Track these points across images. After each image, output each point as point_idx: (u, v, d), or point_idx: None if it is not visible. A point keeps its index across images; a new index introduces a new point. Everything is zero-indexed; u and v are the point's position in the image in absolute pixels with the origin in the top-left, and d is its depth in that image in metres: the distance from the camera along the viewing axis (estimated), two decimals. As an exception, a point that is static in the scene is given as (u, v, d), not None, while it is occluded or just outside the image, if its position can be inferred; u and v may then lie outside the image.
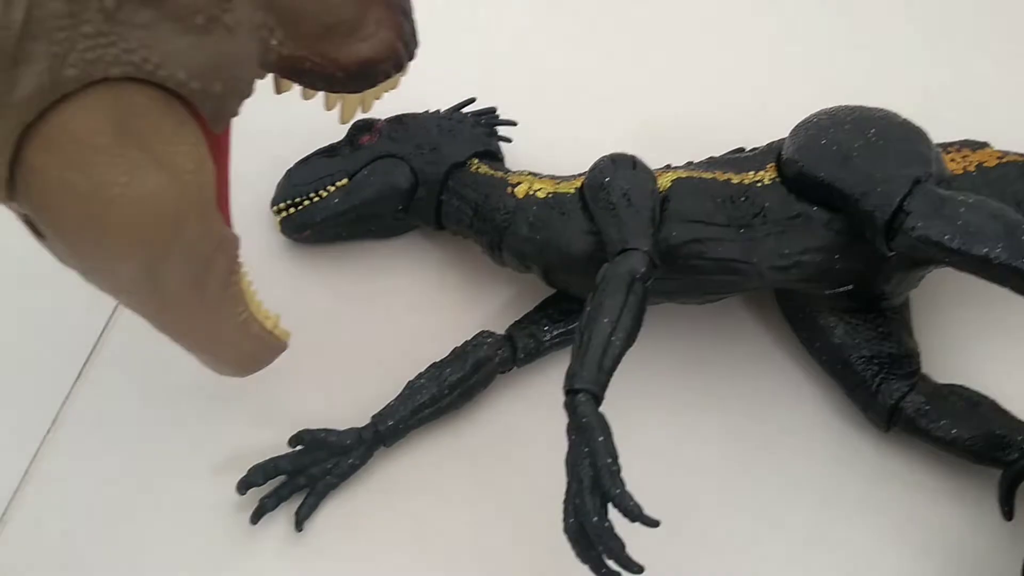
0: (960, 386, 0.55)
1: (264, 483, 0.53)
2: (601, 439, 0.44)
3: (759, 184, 0.55)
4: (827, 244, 0.53)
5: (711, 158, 0.60)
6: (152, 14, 0.35)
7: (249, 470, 0.53)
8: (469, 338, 0.58)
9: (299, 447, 0.54)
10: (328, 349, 0.60)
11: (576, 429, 0.45)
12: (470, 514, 0.54)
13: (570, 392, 0.45)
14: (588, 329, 0.47)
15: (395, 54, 0.45)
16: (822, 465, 0.56)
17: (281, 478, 0.54)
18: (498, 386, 0.58)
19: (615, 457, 0.44)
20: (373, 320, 0.62)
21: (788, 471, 0.55)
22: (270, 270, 0.64)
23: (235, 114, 0.40)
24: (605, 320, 0.47)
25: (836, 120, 0.54)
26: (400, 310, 0.62)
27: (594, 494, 0.43)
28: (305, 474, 0.54)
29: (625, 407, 0.56)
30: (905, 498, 0.54)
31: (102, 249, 0.37)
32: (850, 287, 0.55)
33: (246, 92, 0.41)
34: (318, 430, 0.54)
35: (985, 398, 0.54)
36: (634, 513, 0.42)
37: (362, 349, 0.60)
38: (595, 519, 0.42)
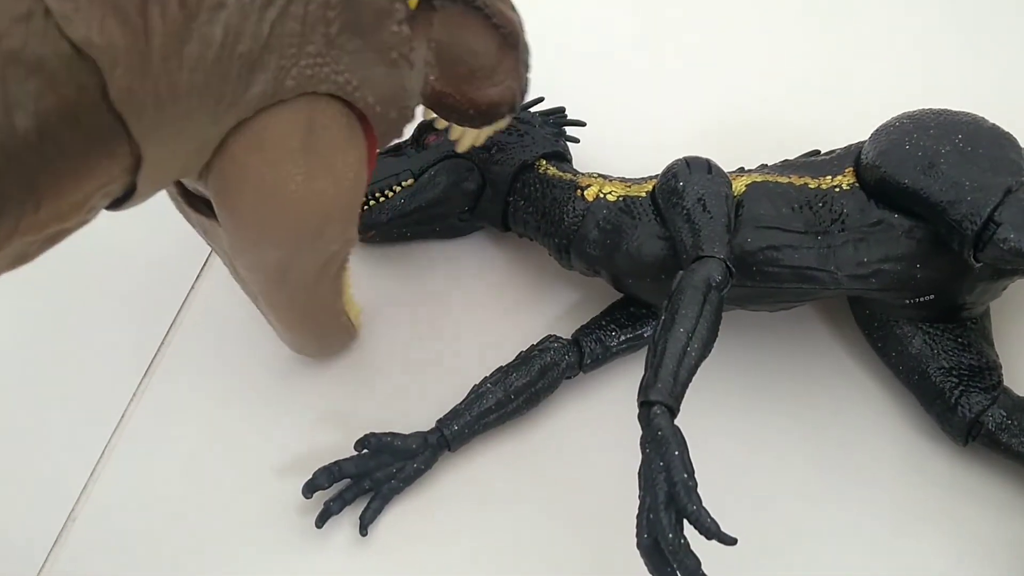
0: None
1: (329, 486, 0.53)
2: (677, 453, 0.43)
3: (837, 189, 0.54)
4: (908, 253, 0.51)
5: (786, 161, 0.58)
6: (360, 44, 0.41)
7: (315, 473, 0.53)
8: (535, 342, 0.57)
9: (364, 451, 0.54)
10: (392, 350, 0.60)
11: (651, 442, 0.44)
12: (534, 520, 0.53)
13: (644, 404, 0.44)
14: (663, 339, 0.46)
15: (514, 100, 0.54)
16: (896, 477, 0.54)
17: (346, 481, 0.54)
18: (564, 391, 0.57)
19: (691, 472, 0.42)
20: (437, 322, 0.62)
21: (861, 483, 0.54)
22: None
23: (400, 135, 0.47)
24: (681, 330, 0.46)
25: (920, 124, 0.52)
26: (465, 312, 0.62)
27: (669, 510, 0.42)
28: (370, 478, 0.53)
29: (694, 416, 0.55)
30: (980, 513, 0.53)
31: (265, 233, 0.43)
32: (931, 297, 0.53)
33: (411, 119, 0.48)
34: (384, 434, 0.54)
35: None
36: (711, 531, 0.41)
37: (426, 351, 0.60)
38: (671, 535, 0.41)
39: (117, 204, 0.39)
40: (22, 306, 0.62)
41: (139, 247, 0.64)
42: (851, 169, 0.55)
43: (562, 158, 0.62)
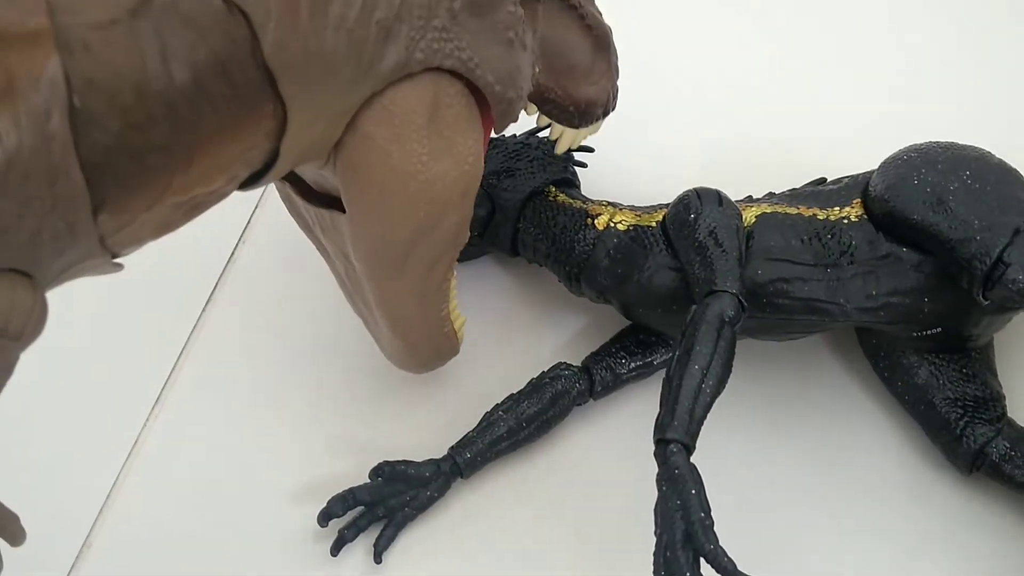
0: None
1: (344, 514, 0.53)
2: (694, 492, 0.43)
3: (845, 221, 0.54)
4: (917, 286, 0.52)
5: (793, 190, 0.59)
6: (479, 23, 0.42)
7: (329, 501, 0.53)
8: (543, 368, 0.58)
9: (378, 478, 0.54)
10: (404, 376, 0.60)
11: (667, 480, 0.44)
12: (546, 547, 0.54)
13: (661, 442, 0.45)
14: (678, 376, 0.47)
15: (609, 101, 0.56)
16: (901, 507, 0.55)
17: (360, 509, 0.54)
18: (574, 417, 0.58)
19: (708, 511, 0.43)
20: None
21: (867, 512, 0.55)
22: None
23: (516, 119, 0.47)
24: (696, 367, 0.47)
25: (927, 158, 0.53)
26: (472, 337, 0.62)
27: (686, 548, 0.43)
28: (384, 505, 0.54)
29: (701, 446, 0.56)
30: (984, 542, 0.53)
31: (389, 214, 0.43)
32: (938, 330, 0.54)
33: (524, 103, 0.48)
34: (397, 462, 0.54)
35: None
36: (728, 570, 0.42)
37: (435, 376, 0.60)
38: (688, 574, 0.42)
39: (253, 180, 0.39)
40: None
41: (147, 276, 0.64)
42: (859, 200, 0.55)
43: (571, 184, 0.63)
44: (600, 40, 0.53)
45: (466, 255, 0.64)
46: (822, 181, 0.61)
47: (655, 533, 0.44)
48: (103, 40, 0.31)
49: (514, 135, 0.65)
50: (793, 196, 0.58)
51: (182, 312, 0.64)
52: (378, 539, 0.53)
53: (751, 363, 0.59)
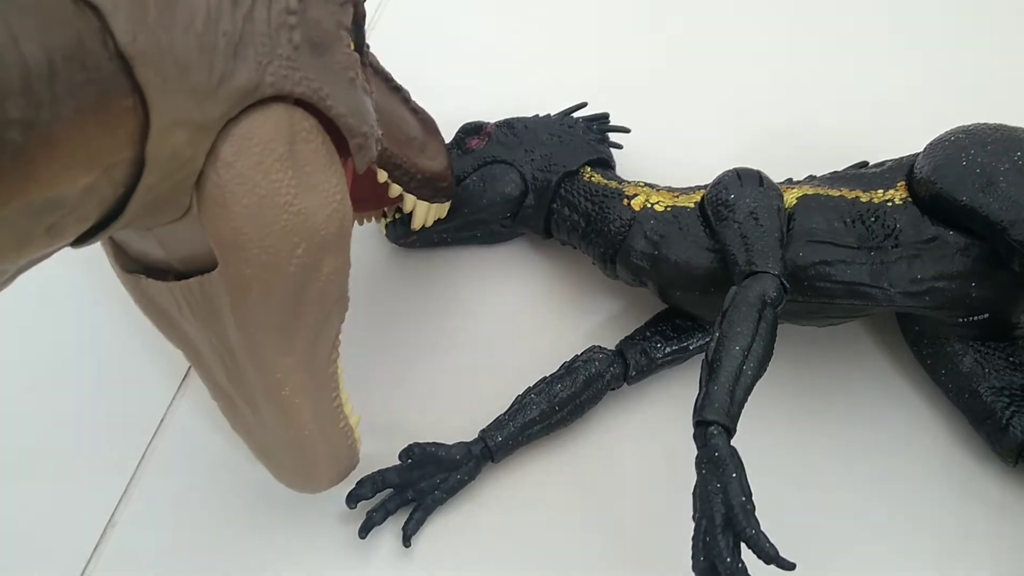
0: None
1: (372, 496, 0.52)
2: (734, 475, 0.42)
3: (890, 204, 0.53)
4: (963, 271, 0.50)
5: (834, 173, 0.57)
6: (320, 60, 0.41)
7: (358, 482, 0.52)
8: (577, 351, 0.57)
9: (408, 460, 0.53)
10: (434, 359, 0.59)
11: (707, 463, 0.43)
12: (578, 532, 0.53)
13: (700, 423, 0.44)
14: (718, 357, 0.45)
15: (450, 179, 0.57)
16: (945, 497, 0.53)
17: (389, 491, 0.53)
18: (607, 402, 0.57)
19: (749, 495, 0.42)
20: (477, 329, 0.61)
21: (909, 503, 0.53)
22: (374, 277, 0.63)
23: (373, 157, 0.45)
24: (736, 348, 0.45)
25: (976, 139, 0.51)
26: (505, 319, 0.61)
27: (727, 533, 0.41)
28: (413, 488, 0.53)
29: (739, 431, 0.55)
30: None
31: (266, 252, 0.40)
32: (985, 316, 0.52)
33: (379, 142, 0.46)
34: (427, 444, 0.53)
35: None
36: (770, 555, 0.40)
37: (467, 359, 0.59)
38: (728, 559, 0.41)
39: (112, 216, 0.37)
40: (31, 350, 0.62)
41: None
42: (903, 183, 0.54)
43: (606, 165, 0.61)
44: (428, 123, 0.54)
45: (498, 237, 0.64)
46: (864, 165, 0.59)
47: (693, 517, 0.43)
48: None
49: (548, 115, 0.63)
50: (835, 179, 0.56)
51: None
52: (407, 523, 0.52)
53: (788, 347, 0.58)
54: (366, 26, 0.47)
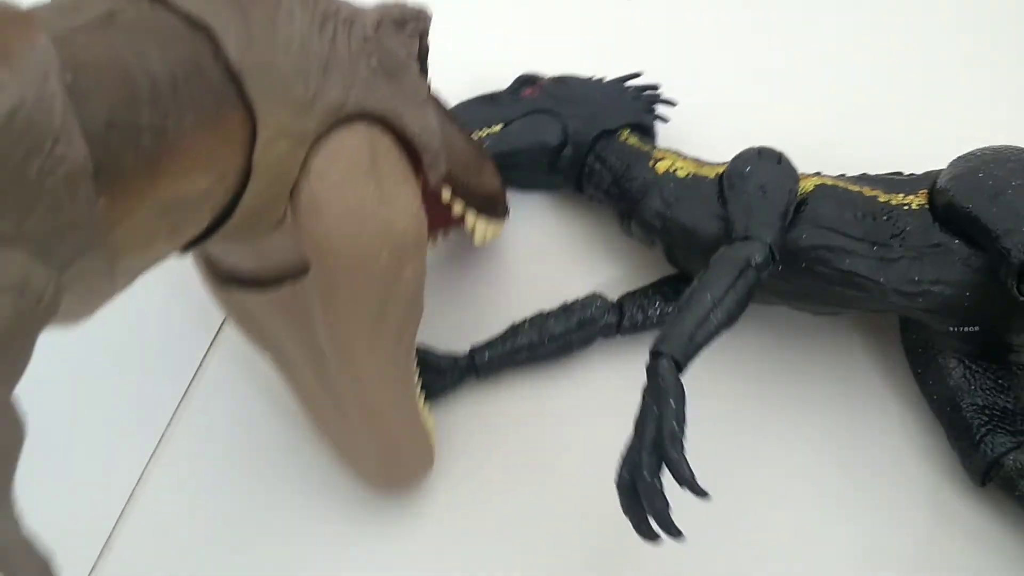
0: None
1: None
2: (673, 403, 0.44)
3: (905, 207, 0.54)
4: (961, 279, 0.51)
5: (864, 174, 0.59)
6: (395, 84, 0.46)
7: None
8: (581, 297, 0.60)
9: None
10: (443, 283, 0.63)
11: (651, 390, 0.45)
12: (550, 463, 0.55)
13: (655, 355, 0.46)
14: (689, 300, 0.48)
15: (505, 199, 0.60)
16: (905, 510, 0.54)
17: None
18: (596, 351, 0.59)
19: (682, 424, 0.44)
20: (491, 267, 0.64)
21: (873, 509, 0.54)
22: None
23: (442, 174, 0.49)
24: (708, 297, 0.47)
25: (999, 157, 0.52)
26: (524, 260, 0.64)
27: (652, 453, 0.43)
28: None
29: (713, 400, 0.56)
30: (991, 561, 0.52)
31: (355, 255, 0.44)
32: (976, 328, 0.53)
33: (444, 167, 0.49)
34: (419, 346, 0.57)
35: None
36: (686, 478, 0.42)
37: (480, 285, 0.63)
38: (646, 475, 0.43)
39: (221, 220, 0.42)
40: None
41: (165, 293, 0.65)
42: (925, 192, 0.55)
43: (646, 132, 0.64)
44: (481, 148, 0.57)
45: (535, 184, 0.67)
46: (898, 174, 0.60)
47: (630, 439, 0.45)
48: (83, 36, 0.34)
49: (603, 77, 0.66)
50: (862, 179, 0.58)
51: (201, 323, 0.64)
52: None
53: (782, 331, 0.60)
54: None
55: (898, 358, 0.58)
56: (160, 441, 0.59)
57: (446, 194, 0.53)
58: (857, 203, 0.54)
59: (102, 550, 0.55)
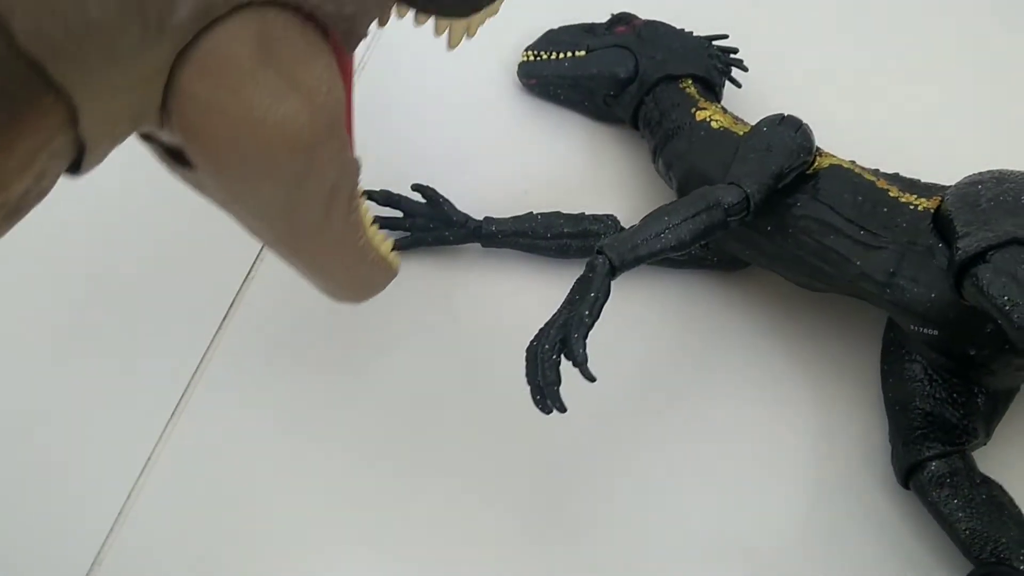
0: (999, 485, 0.53)
1: (383, 204, 0.64)
2: (593, 296, 0.49)
3: (911, 207, 0.55)
4: (932, 281, 0.52)
5: (897, 174, 0.59)
6: None
7: (380, 190, 0.64)
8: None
9: (419, 194, 0.65)
10: (500, 164, 0.70)
11: (581, 280, 0.50)
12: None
13: (598, 252, 0.50)
14: (651, 216, 0.52)
15: None
16: (829, 497, 0.57)
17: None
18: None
19: (594, 315, 0.48)
20: (526, 175, 0.70)
21: (791, 482, 0.58)
22: (502, 107, 0.75)
23: (365, 35, 0.43)
24: (665, 218, 0.52)
25: (1003, 177, 0.54)
26: (563, 172, 0.70)
27: (559, 331, 0.48)
28: (413, 220, 0.64)
29: (674, 353, 0.61)
30: (908, 563, 0.54)
31: (247, 170, 0.39)
32: (934, 332, 0.53)
33: (374, 13, 0.43)
34: (440, 194, 0.64)
35: (1016, 509, 0.51)
36: (577, 358, 0.47)
37: (518, 180, 0.69)
38: (547, 347, 0.48)
39: (77, 166, 0.36)
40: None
41: (164, 289, 0.66)
42: (938, 199, 0.55)
43: (709, 87, 0.67)
44: None
45: (600, 113, 0.72)
46: (934, 184, 0.61)
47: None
48: None
49: (692, 31, 0.70)
50: (885, 174, 0.59)
51: (201, 320, 0.65)
52: (399, 240, 0.64)
53: (773, 304, 0.64)
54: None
55: (873, 349, 0.60)
56: (159, 442, 0.60)
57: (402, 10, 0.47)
58: (863, 189, 0.56)
59: (101, 550, 0.56)
